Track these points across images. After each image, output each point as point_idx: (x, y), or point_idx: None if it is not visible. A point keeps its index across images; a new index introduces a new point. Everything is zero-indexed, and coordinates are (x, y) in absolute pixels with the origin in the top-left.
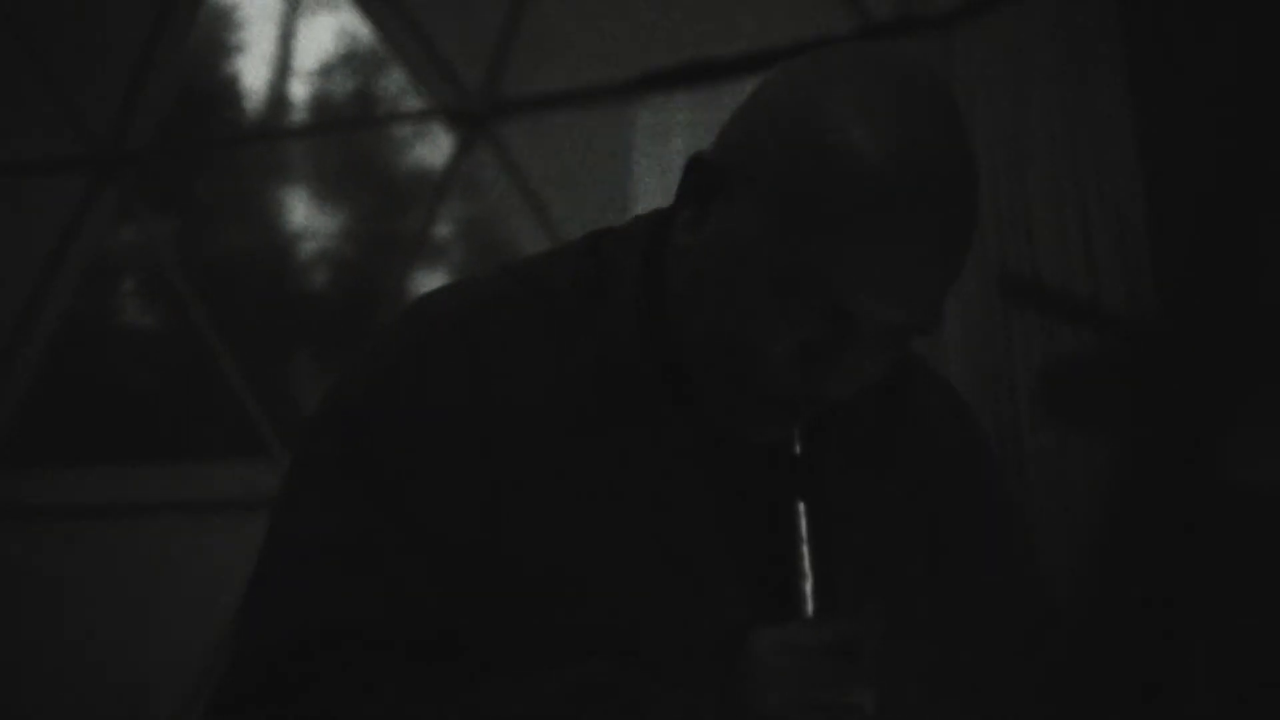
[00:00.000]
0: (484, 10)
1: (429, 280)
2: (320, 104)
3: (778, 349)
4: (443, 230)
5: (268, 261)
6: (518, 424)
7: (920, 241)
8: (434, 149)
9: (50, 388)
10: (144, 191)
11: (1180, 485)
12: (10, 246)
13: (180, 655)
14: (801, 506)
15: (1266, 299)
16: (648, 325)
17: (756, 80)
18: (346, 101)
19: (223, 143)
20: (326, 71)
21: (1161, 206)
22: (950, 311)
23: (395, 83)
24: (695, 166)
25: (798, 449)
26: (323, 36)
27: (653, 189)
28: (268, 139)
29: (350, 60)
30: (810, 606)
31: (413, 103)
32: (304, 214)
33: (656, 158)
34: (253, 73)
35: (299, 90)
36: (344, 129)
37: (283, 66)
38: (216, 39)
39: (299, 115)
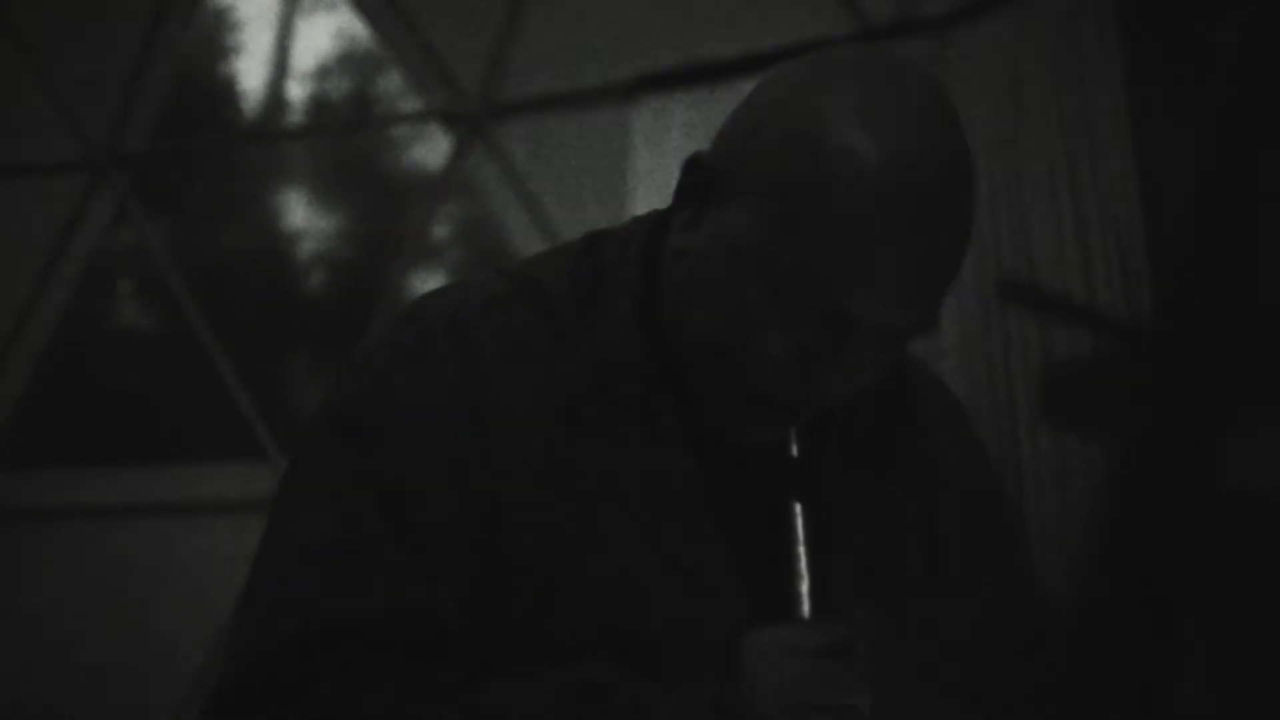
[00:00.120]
0: (481, 12)
1: (426, 281)
2: (317, 105)
3: (775, 351)
4: (440, 231)
5: (265, 263)
6: (515, 425)
7: (917, 244)
8: (431, 150)
9: (48, 389)
10: (141, 193)
11: (1177, 487)
12: (8, 248)
13: (177, 656)
14: (798, 508)
15: (1263, 300)
16: (646, 327)
17: (754, 82)
18: (344, 103)
19: (220, 144)
20: (324, 73)
21: (1157, 209)
22: (947, 314)
23: (393, 84)
24: (692, 168)
25: (794, 451)
26: (320, 38)
27: (650, 190)
28: (265, 141)
29: (348, 62)
30: (807, 608)
31: (410, 104)
32: (301, 215)
33: (653, 159)
34: (250, 74)
35: (296, 92)
36: (341, 130)
37: (280, 68)
38: (214, 41)
39: (296, 117)
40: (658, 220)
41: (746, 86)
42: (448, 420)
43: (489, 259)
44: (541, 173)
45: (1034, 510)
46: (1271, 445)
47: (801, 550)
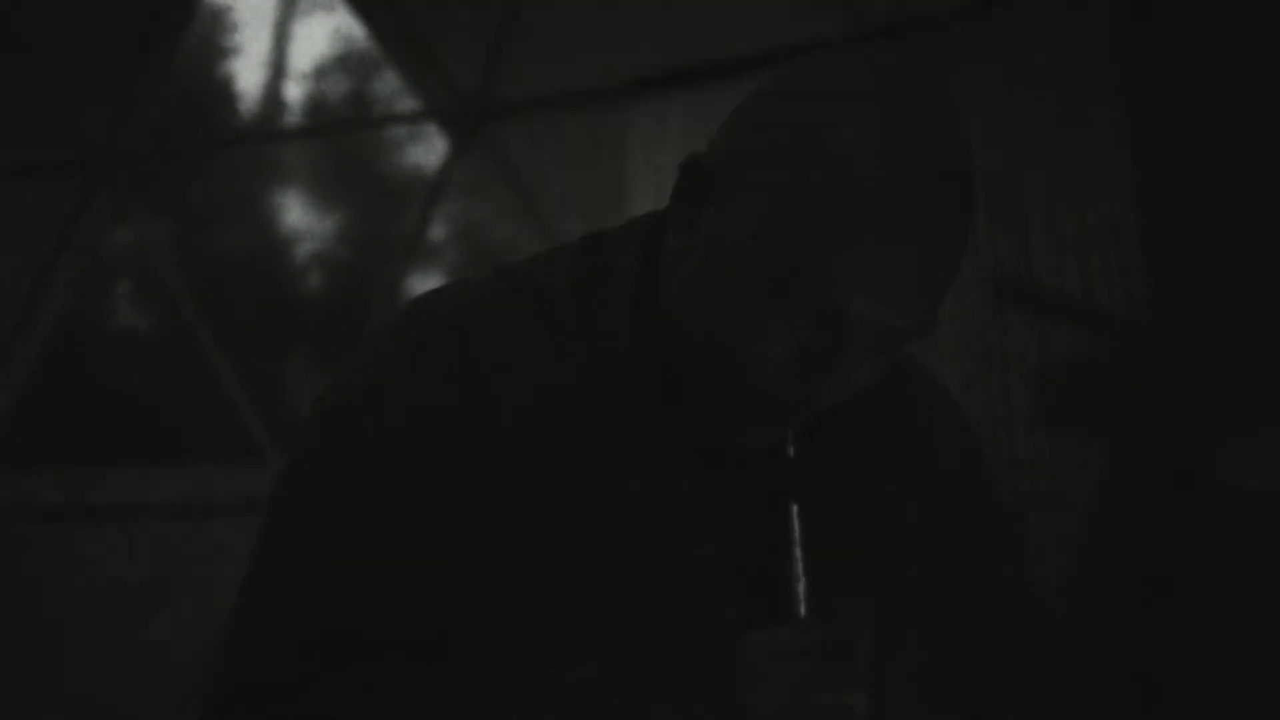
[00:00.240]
0: (479, 13)
1: (424, 282)
2: (315, 106)
3: (773, 352)
4: (438, 232)
5: (263, 264)
6: (513, 426)
7: (915, 245)
8: (429, 151)
9: (45, 389)
10: (139, 194)
11: (1177, 487)
12: (6, 249)
13: (174, 656)
14: (795, 509)
15: (1261, 300)
16: (644, 328)
17: (752, 83)
18: (341, 104)
19: (218, 145)
20: (321, 74)
21: (1156, 208)
22: (945, 314)
23: (390, 85)
24: (691, 169)
25: (792, 452)
26: (317, 39)
27: (648, 191)
28: (262, 141)
29: (345, 62)
30: (803, 608)
31: (408, 105)
32: (299, 216)
33: (651, 160)
34: (247, 75)
35: (294, 92)
36: (339, 131)
37: (277, 69)
38: (211, 41)
39: (294, 117)
40: (655, 221)
41: (744, 87)
42: (446, 420)
43: (486, 259)
44: (539, 173)
45: (1032, 511)
46: (1271, 445)
47: (798, 551)
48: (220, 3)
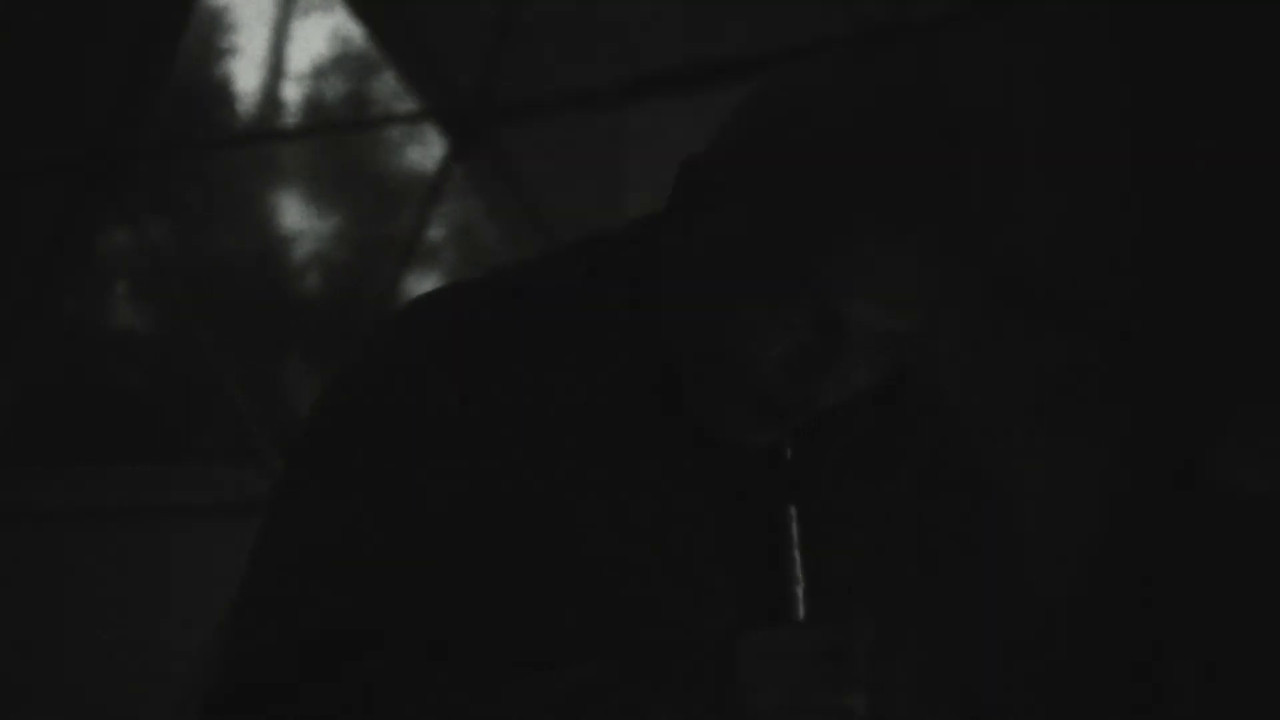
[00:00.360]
0: (477, 13)
1: (422, 283)
2: (313, 107)
3: (770, 354)
4: (436, 233)
5: (261, 264)
6: (511, 427)
7: (913, 247)
8: (427, 152)
9: (43, 390)
10: (139, 194)
11: (1175, 488)
12: (4, 249)
13: (173, 658)
14: (793, 511)
15: (1261, 301)
16: (641, 329)
17: (751, 83)
18: (339, 104)
19: (215, 145)
20: (319, 74)
21: (1155, 209)
22: (943, 315)
23: (388, 86)
24: (688, 170)
25: (789, 453)
26: (316, 39)
27: (646, 192)
28: (260, 142)
29: (343, 63)
30: (802, 610)
31: (406, 106)
32: (297, 217)
33: (649, 161)
34: (245, 75)
35: (292, 93)
36: (337, 132)
37: (275, 69)
38: (209, 42)
39: (292, 118)
40: (654, 222)
41: (744, 87)
42: (444, 422)
43: (485, 260)
44: (537, 174)
45: (1031, 512)
46: (1271, 446)
47: (796, 553)
48: (219, 3)
